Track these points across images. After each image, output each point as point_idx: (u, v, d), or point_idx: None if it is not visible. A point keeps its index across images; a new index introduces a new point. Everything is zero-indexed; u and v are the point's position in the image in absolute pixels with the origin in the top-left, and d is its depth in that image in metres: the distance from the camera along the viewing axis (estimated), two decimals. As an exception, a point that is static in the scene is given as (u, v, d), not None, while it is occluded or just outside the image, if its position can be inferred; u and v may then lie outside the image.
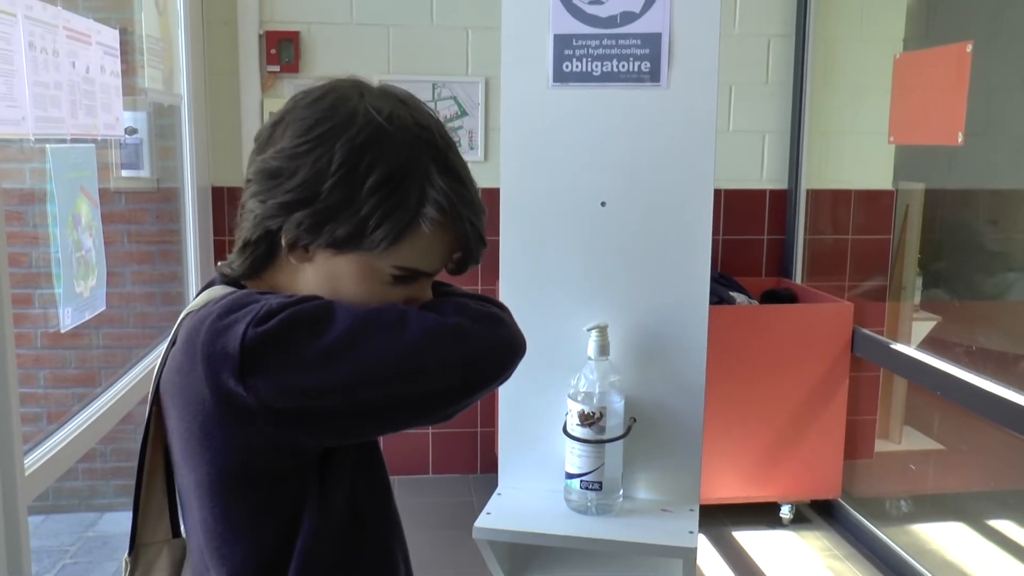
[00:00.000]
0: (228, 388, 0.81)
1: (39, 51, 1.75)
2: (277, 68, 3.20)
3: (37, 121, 1.74)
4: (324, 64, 3.23)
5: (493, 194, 3.24)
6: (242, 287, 0.94)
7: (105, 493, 3.12)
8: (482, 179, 3.57)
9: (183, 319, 0.91)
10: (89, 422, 1.99)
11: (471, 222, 0.91)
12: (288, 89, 3.23)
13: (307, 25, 3.24)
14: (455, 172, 0.90)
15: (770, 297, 3.29)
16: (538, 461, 1.82)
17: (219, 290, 0.92)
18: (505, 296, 1.82)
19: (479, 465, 3.54)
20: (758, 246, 3.51)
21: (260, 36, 3.21)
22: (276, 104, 3.22)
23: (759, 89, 3.43)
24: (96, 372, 2.96)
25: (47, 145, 1.78)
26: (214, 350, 0.81)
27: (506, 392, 1.84)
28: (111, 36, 2.15)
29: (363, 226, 0.86)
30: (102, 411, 2.07)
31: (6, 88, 1.61)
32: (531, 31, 1.77)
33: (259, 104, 3.23)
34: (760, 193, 3.49)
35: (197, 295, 0.97)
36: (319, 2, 3.25)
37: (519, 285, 1.81)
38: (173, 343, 0.91)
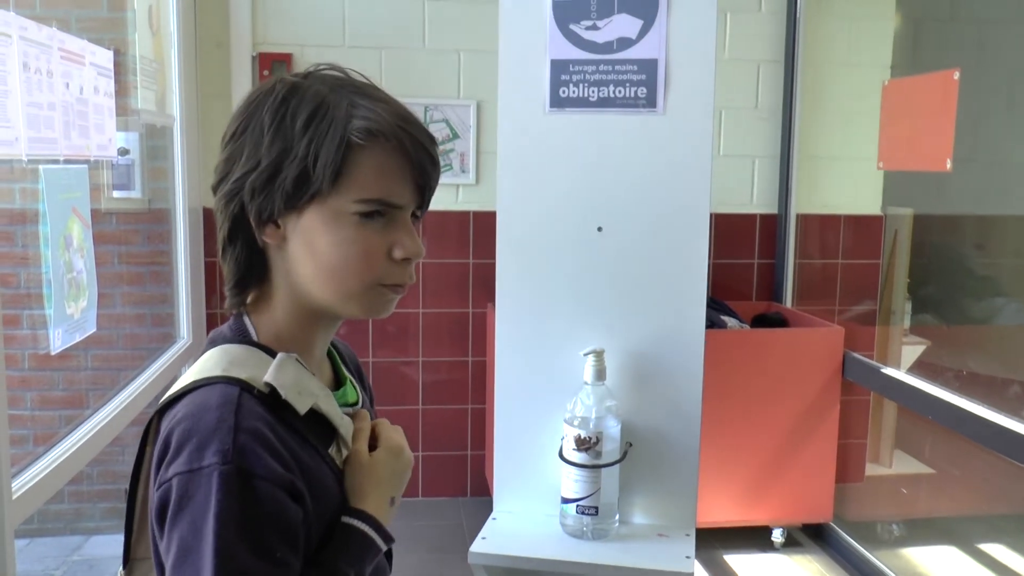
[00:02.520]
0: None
1: (33, 72, 1.74)
2: (270, 90, 3.20)
3: (30, 142, 1.74)
4: (317, 86, 3.24)
5: (486, 217, 3.28)
6: (247, 335, 0.94)
7: (92, 516, 3.08)
8: (474, 202, 3.57)
9: (193, 382, 0.89)
10: (78, 445, 1.97)
11: (406, 130, 0.90)
12: (281, 111, 3.24)
13: (300, 47, 3.25)
14: (380, 98, 0.91)
15: (760, 321, 3.30)
16: (533, 485, 1.82)
17: (215, 361, 0.91)
18: (501, 320, 1.82)
19: (469, 488, 3.52)
20: (748, 270, 3.53)
21: (253, 58, 3.21)
22: (268, 126, 3.23)
23: (749, 114, 3.46)
24: (84, 394, 2.93)
25: (40, 166, 1.78)
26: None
27: (501, 416, 1.84)
28: (105, 57, 2.15)
29: (304, 164, 0.88)
30: (91, 434, 2.05)
31: (0, 109, 1.60)
32: (528, 56, 1.78)
33: (251, 125, 3.23)
34: (750, 217, 3.51)
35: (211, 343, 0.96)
36: (312, 25, 3.26)
37: (515, 309, 1.81)
38: (182, 394, 0.89)
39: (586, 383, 1.70)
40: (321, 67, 0.94)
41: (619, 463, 1.71)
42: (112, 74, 2.18)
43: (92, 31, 2.80)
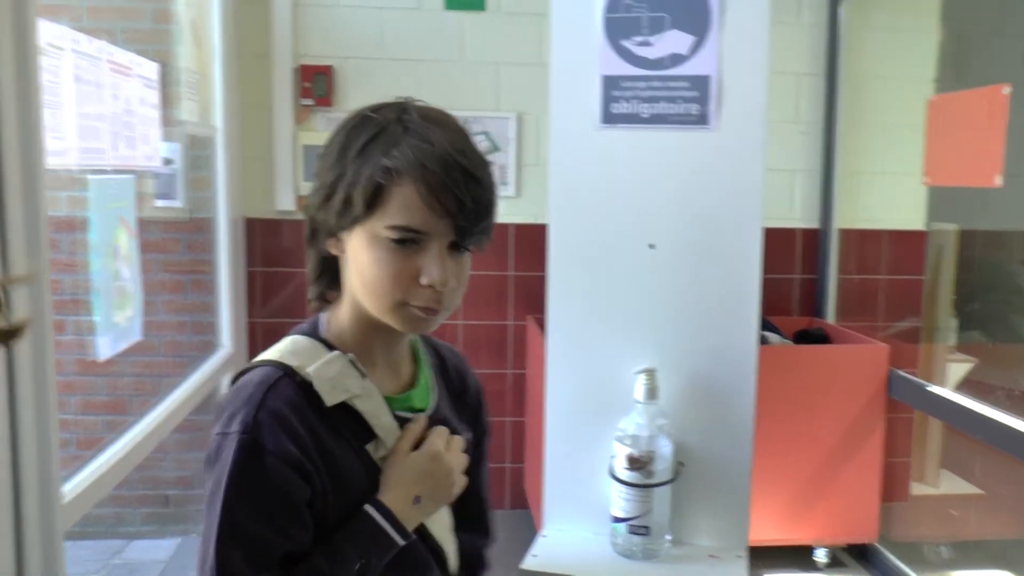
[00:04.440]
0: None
1: (84, 84, 1.76)
2: (311, 101, 3.21)
3: (81, 152, 1.75)
4: (357, 98, 3.24)
5: (527, 230, 3.27)
6: (316, 330, 1.07)
7: (132, 521, 3.10)
8: (514, 214, 3.54)
9: (256, 361, 1.05)
10: (127, 449, 1.99)
11: (430, 168, 0.95)
12: (321, 122, 3.25)
13: (340, 59, 3.26)
14: (426, 138, 0.97)
15: (803, 337, 3.26)
16: (584, 504, 1.80)
17: (279, 348, 1.06)
18: (552, 337, 1.81)
19: (508, 500, 3.51)
20: (790, 285, 3.49)
21: (294, 70, 3.23)
22: (309, 137, 3.24)
23: (790, 128, 3.43)
24: (126, 400, 2.95)
25: (89, 176, 1.79)
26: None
27: (552, 434, 1.82)
28: (151, 69, 2.17)
29: (350, 190, 0.97)
30: (139, 438, 2.07)
31: (53, 120, 1.62)
32: (580, 72, 1.77)
33: (292, 136, 3.24)
34: (792, 232, 3.47)
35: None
36: (352, 37, 3.27)
37: (567, 326, 1.80)
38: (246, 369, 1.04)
39: (638, 402, 1.68)
40: (400, 99, 1.02)
41: (671, 483, 1.69)
42: (158, 86, 2.20)
43: (137, 43, 2.83)
